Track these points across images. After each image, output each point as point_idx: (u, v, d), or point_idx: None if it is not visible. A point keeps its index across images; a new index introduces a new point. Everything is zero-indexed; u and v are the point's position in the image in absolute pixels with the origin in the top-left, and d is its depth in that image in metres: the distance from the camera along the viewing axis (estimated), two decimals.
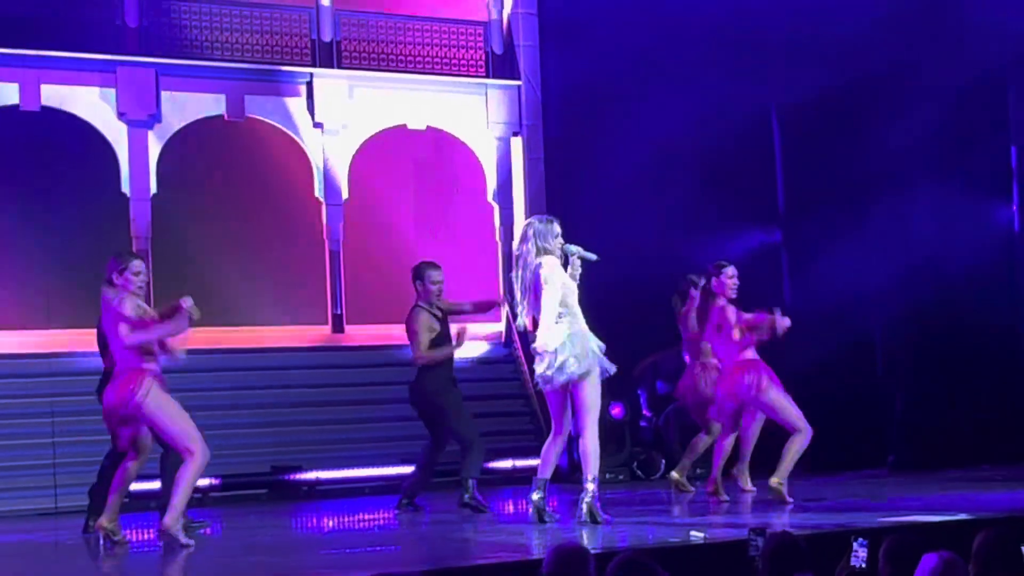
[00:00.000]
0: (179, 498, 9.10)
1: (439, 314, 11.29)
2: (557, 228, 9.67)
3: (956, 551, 5.70)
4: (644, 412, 14.87)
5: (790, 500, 10.54)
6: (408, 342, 11.25)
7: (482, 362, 15.40)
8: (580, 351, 9.51)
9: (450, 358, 11.24)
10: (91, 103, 14.40)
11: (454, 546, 9.24)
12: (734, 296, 11.21)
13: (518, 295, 9.67)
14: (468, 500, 10.91)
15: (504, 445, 14.26)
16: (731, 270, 11.26)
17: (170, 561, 8.92)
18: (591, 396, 9.59)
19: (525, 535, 9.28)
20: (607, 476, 13.91)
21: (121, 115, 14.47)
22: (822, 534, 8.14)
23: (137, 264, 9.43)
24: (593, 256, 9.81)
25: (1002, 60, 13.94)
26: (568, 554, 5.67)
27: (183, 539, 9.13)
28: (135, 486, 10.02)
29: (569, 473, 14.25)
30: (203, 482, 12.73)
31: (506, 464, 14.20)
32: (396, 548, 9.34)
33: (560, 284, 9.53)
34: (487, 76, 16.22)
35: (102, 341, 9.75)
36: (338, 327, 15.24)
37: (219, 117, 15.00)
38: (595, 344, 9.58)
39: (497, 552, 8.43)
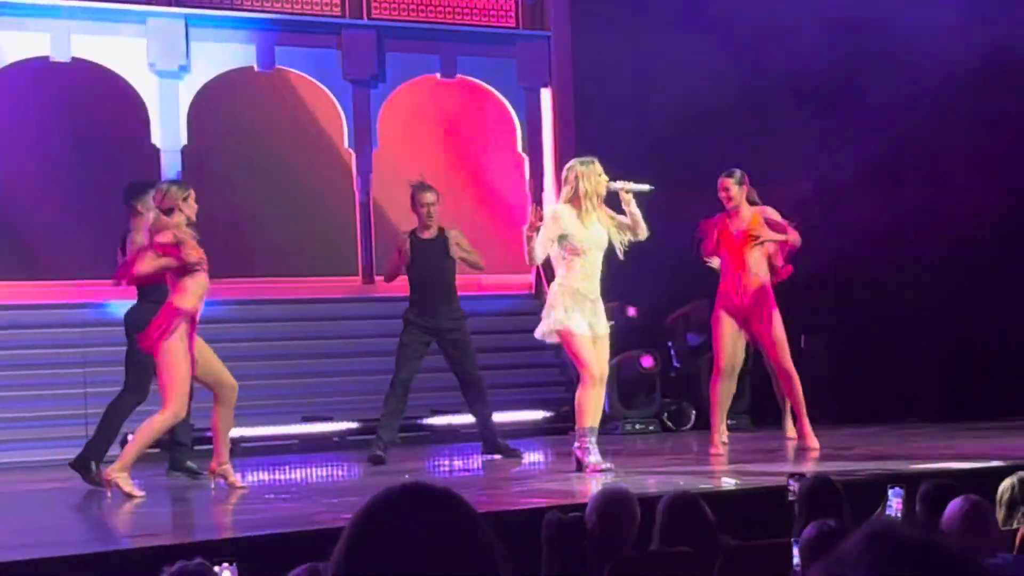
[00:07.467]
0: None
1: (430, 235, 11.22)
2: (599, 168, 9.52)
3: (990, 498, 5.70)
4: (674, 364, 14.85)
5: None
6: None
7: (510, 314, 15.38)
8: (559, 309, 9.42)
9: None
10: (121, 54, 14.38)
11: (497, 493, 9.25)
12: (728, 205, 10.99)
13: None
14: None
15: (532, 396, 14.30)
16: (720, 181, 10.99)
17: (194, 510, 8.96)
18: (573, 351, 9.51)
19: (566, 482, 9.32)
20: (637, 427, 13.97)
21: (151, 66, 14.46)
22: (856, 481, 8.10)
23: (192, 193, 9.63)
24: (645, 187, 9.66)
25: None
26: (613, 498, 5.70)
27: (127, 488, 9.27)
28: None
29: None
30: (233, 433, 12.76)
31: (536, 415, 14.22)
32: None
33: (551, 233, 9.39)
34: (516, 26, 16.15)
35: None
36: (368, 278, 15.22)
37: (249, 68, 14.97)
38: (573, 302, 9.42)
39: (538, 498, 8.49)
